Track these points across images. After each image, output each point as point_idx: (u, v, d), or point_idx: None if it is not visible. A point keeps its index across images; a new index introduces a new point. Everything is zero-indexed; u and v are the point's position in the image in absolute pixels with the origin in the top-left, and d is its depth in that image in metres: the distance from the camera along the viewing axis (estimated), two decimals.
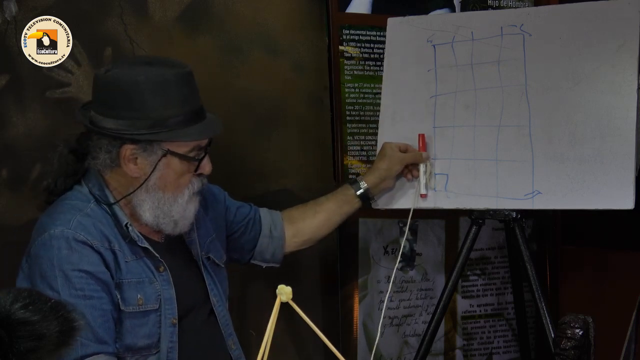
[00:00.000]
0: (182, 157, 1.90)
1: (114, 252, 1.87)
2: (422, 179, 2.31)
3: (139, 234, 1.92)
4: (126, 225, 1.90)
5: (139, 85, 1.86)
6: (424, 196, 2.32)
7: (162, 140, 1.88)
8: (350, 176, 2.74)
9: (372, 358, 2.37)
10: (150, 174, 1.89)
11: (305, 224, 2.29)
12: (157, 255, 1.93)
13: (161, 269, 1.93)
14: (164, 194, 1.91)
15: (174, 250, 2.00)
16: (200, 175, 1.95)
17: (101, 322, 1.80)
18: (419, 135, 2.32)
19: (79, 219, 1.86)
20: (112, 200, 1.92)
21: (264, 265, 2.30)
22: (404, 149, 2.30)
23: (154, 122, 1.86)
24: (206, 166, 1.95)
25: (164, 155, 1.88)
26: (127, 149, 1.89)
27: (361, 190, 2.28)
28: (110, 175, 1.94)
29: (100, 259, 1.83)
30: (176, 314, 1.92)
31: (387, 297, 2.24)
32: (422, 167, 2.31)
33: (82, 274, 1.81)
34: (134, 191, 1.90)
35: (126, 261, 1.88)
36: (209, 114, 1.98)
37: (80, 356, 1.75)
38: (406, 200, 2.34)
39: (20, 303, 1.19)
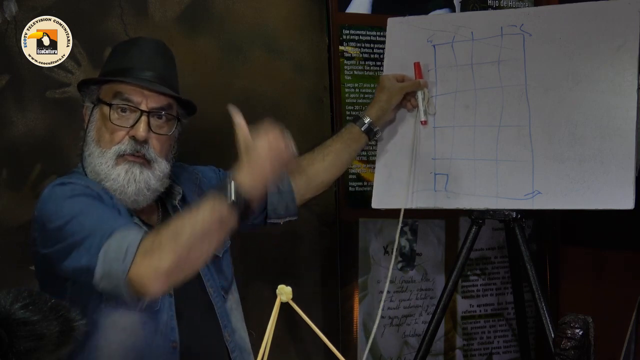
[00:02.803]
0: (104, 103, 1.93)
1: (118, 211, 1.89)
2: (421, 106, 2.34)
3: (129, 212, 1.93)
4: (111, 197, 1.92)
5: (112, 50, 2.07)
6: (424, 123, 2.34)
7: (90, 82, 1.97)
8: (350, 176, 2.75)
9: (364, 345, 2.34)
10: (88, 123, 1.96)
11: (316, 168, 2.29)
12: (146, 229, 1.88)
13: None
14: (97, 149, 1.93)
15: None
16: (135, 140, 1.91)
17: (113, 215, 1.82)
18: (415, 63, 2.35)
19: (81, 177, 1.92)
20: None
21: (281, 221, 2.29)
22: (401, 79, 2.34)
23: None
24: (139, 129, 1.91)
25: (97, 104, 1.95)
26: (85, 108, 2.00)
27: (365, 125, 2.30)
28: None
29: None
30: (172, 291, 1.92)
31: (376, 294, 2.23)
32: (420, 95, 2.34)
33: (85, 197, 1.84)
34: (83, 145, 1.96)
35: None
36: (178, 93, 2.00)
37: (113, 229, 1.74)
38: (402, 199, 2.34)
39: (20, 303, 1.19)
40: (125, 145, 1.91)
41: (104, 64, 2.05)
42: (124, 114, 1.92)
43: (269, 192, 2.23)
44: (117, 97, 1.92)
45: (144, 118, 1.92)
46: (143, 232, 1.76)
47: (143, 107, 1.92)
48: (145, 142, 1.92)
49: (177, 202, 2.05)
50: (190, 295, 1.98)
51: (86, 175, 1.94)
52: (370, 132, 2.32)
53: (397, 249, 2.40)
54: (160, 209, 2.05)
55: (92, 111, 1.96)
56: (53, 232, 1.81)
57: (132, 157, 1.92)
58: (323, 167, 2.30)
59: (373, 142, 2.43)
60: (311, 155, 2.31)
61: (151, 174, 1.93)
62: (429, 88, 2.35)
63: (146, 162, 1.93)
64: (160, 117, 1.95)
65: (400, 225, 2.32)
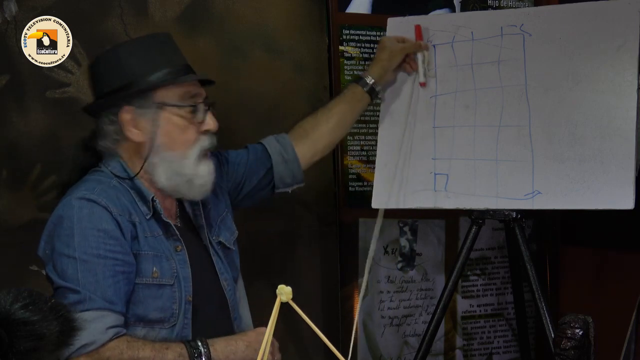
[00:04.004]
0: (176, 106, 1.93)
1: (133, 224, 1.90)
2: (421, 67, 2.36)
3: (162, 210, 1.95)
4: (152, 198, 1.93)
5: (120, 54, 1.96)
6: (423, 84, 2.36)
7: (150, 88, 1.92)
8: (350, 176, 2.75)
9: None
10: (154, 129, 1.93)
11: (320, 131, 2.30)
12: (177, 232, 1.95)
13: (179, 247, 1.95)
14: (174, 152, 1.93)
15: (187, 233, 2.02)
16: (206, 132, 1.97)
17: (111, 283, 1.82)
18: (415, 25, 2.37)
19: (104, 187, 1.91)
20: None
21: (289, 189, 2.31)
22: (401, 40, 2.36)
23: (141, 79, 1.92)
24: (210, 122, 1.97)
25: (160, 108, 1.92)
26: (125, 113, 1.93)
27: (368, 85, 2.32)
28: (122, 151, 1.97)
29: (117, 227, 1.86)
30: (191, 292, 1.94)
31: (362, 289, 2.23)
32: (419, 57, 2.36)
33: (100, 233, 1.84)
34: (147, 156, 1.93)
35: (145, 236, 1.91)
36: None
37: (86, 309, 1.77)
38: (402, 199, 2.34)
39: (20, 303, 1.19)
40: (203, 142, 1.96)
41: (124, 70, 1.94)
42: (194, 112, 1.95)
43: (274, 162, 2.26)
44: (186, 97, 1.94)
45: (210, 110, 1.97)
46: (111, 332, 1.79)
47: (202, 100, 1.97)
48: (215, 132, 1.98)
49: None
50: (206, 294, 2.00)
51: (112, 174, 1.93)
52: (373, 92, 2.34)
53: (374, 250, 2.41)
54: (178, 205, 2.05)
55: (152, 117, 1.93)
56: (54, 253, 1.84)
57: (207, 152, 1.97)
58: (327, 129, 2.31)
59: (376, 103, 2.42)
60: (314, 119, 2.32)
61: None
62: (428, 51, 2.36)
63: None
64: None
65: (377, 226, 2.32)
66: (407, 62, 2.37)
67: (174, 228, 1.95)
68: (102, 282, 1.81)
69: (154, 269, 1.89)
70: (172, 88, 1.94)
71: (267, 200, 2.32)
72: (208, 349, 1.85)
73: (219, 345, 1.88)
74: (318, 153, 2.33)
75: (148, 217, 1.92)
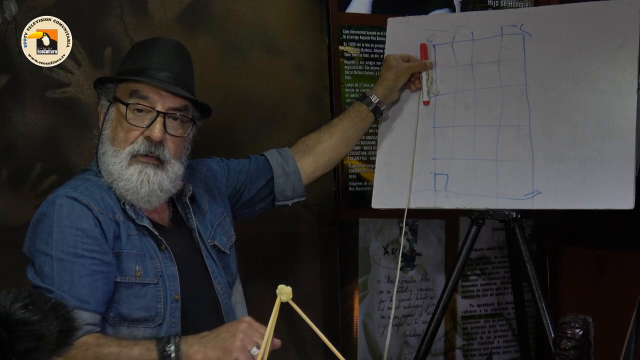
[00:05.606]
0: (121, 102, 1.92)
1: (117, 223, 1.90)
2: (425, 87, 2.36)
3: (139, 212, 1.93)
4: (123, 203, 1.92)
5: (131, 49, 2.05)
6: (427, 103, 2.36)
7: (107, 80, 1.97)
8: (350, 176, 2.75)
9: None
10: (104, 121, 1.95)
11: (323, 147, 2.30)
12: (155, 232, 1.94)
13: (162, 246, 1.95)
14: (113, 147, 1.93)
15: (179, 236, 2.02)
16: (150, 140, 1.91)
17: (87, 282, 1.82)
18: (421, 45, 2.37)
19: (88, 186, 1.91)
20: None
21: (290, 202, 2.30)
22: (406, 59, 2.36)
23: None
24: (155, 130, 1.91)
25: (113, 102, 1.94)
26: (101, 105, 1.99)
27: (373, 105, 2.32)
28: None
29: (97, 226, 1.86)
30: (179, 291, 1.93)
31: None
32: (424, 76, 2.36)
33: (78, 232, 1.84)
34: (97, 146, 1.95)
35: (129, 234, 1.91)
36: (197, 97, 1.99)
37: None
38: (402, 199, 2.34)
39: (20, 303, 1.19)
40: (139, 145, 1.91)
41: (122, 62, 2.04)
42: (140, 113, 1.92)
43: (275, 174, 2.25)
44: (133, 96, 1.92)
45: (159, 119, 1.92)
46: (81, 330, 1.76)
47: (159, 107, 1.92)
48: (160, 143, 1.92)
49: (187, 199, 2.06)
50: (197, 296, 1.99)
51: (100, 172, 1.94)
52: (377, 111, 2.34)
53: (400, 250, 2.40)
54: (171, 207, 2.05)
55: (107, 109, 1.96)
56: (34, 250, 1.85)
57: (145, 158, 1.92)
58: (330, 145, 2.31)
59: (376, 126, 2.43)
60: (317, 135, 2.32)
61: (165, 175, 1.94)
62: (433, 70, 2.37)
63: (160, 164, 1.93)
64: (175, 119, 1.95)
65: (404, 226, 2.33)
66: (411, 81, 2.38)
67: (152, 229, 1.94)
68: (77, 282, 1.81)
69: (137, 267, 1.89)
70: (128, 85, 1.94)
71: (266, 213, 2.32)
72: (179, 338, 1.79)
73: (191, 337, 1.82)
74: (320, 168, 2.33)
75: (130, 218, 1.92)
